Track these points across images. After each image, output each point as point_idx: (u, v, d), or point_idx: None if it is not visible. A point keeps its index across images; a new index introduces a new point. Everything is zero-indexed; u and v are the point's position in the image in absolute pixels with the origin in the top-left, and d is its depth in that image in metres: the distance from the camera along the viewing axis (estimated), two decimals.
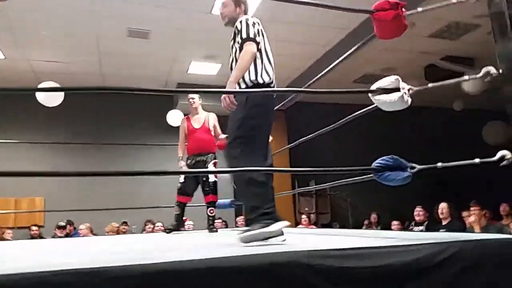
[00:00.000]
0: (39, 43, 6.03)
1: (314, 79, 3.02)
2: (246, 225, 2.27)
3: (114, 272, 1.08)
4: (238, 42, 2.29)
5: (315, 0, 2.70)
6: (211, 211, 4.03)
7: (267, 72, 2.25)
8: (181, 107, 7.34)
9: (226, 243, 2.06)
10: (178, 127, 6.33)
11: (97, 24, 5.56)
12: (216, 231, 3.96)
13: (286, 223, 1.91)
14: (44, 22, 5.45)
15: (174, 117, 6.35)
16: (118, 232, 6.43)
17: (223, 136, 4.03)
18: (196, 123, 4.19)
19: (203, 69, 7.24)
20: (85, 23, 5.51)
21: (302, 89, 2.93)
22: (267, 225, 1.84)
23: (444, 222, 4.97)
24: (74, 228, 6.54)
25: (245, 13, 2.50)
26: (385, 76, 2.08)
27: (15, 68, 6.64)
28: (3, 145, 6.45)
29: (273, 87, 2.29)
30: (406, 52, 6.82)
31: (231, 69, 2.33)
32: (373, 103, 2.17)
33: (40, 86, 5.12)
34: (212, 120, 4.19)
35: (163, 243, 2.41)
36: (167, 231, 3.97)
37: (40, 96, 5.12)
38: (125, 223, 6.78)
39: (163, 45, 6.28)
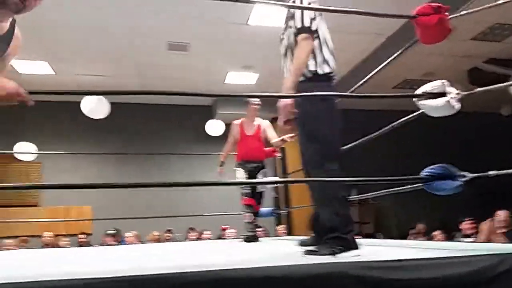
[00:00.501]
0: (84, 58, 6.33)
1: (358, 84, 2.98)
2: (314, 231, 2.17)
3: (168, 280, 1.11)
4: (291, 27, 2.02)
5: (353, 9, 2.68)
6: (247, 217, 3.96)
7: (327, 62, 2.00)
8: (219, 117, 7.47)
9: (273, 252, 2.08)
10: (217, 137, 6.49)
11: (138, 38, 5.78)
12: (257, 239, 3.95)
13: (357, 252, 1.72)
14: (89, 38, 5.72)
15: (213, 127, 6.48)
16: (159, 240, 6.59)
17: (276, 139, 3.97)
18: (250, 129, 4.13)
19: (241, 79, 7.33)
20: (127, 37, 5.74)
21: (348, 93, 2.89)
22: (337, 252, 1.68)
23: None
24: (120, 236, 6.75)
25: None
26: (426, 81, 2.03)
27: (63, 83, 7.00)
28: (53, 156, 6.81)
29: (334, 77, 2.05)
30: (448, 56, 6.62)
31: (285, 55, 2.10)
32: (416, 109, 2.12)
33: (84, 99, 5.39)
34: (264, 127, 4.14)
35: (213, 251, 2.45)
36: (244, 239, 3.83)
37: (86, 110, 5.37)
38: (169, 231, 6.94)
39: (201, 57, 6.44)
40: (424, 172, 1.75)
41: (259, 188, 3.99)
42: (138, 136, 7.93)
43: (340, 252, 1.69)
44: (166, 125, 8.19)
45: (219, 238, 6.82)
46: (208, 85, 7.48)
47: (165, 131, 8.15)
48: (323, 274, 1.23)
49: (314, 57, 1.96)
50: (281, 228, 6.57)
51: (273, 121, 4.45)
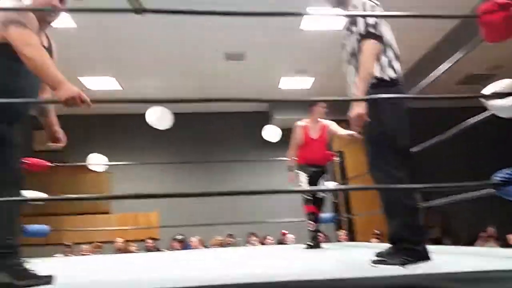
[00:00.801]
0: (148, 72, 6.71)
1: (422, 85, 2.91)
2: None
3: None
4: (353, 32, 1.96)
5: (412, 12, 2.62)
6: (310, 226, 3.87)
7: (392, 66, 1.93)
8: (276, 122, 7.55)
9: (341, 261, 2.08)
10: (273, 143, 6.56)
11: (198, 50, 6.03)
12: (319, 246, 3.85)
13: (429, 263, 1.67)
14: (152, 54, 6.07)
15: (270, 132, 6.56)
16: (221, 245, 6.78)
17: (345, 132, 3.81)
18: (314, 132, 3.98)
19: (295, 83, 7.37)
20: (188, 51, 6.02)
21: (413, 95, 2.81)
22: (406, 263, 1.63)
23: None
24: (182, 241, 7.01)
25: None
26: (491, 76, 1.94)
27: (130, 97, 7.42)
28: (122, 166, 7.25)
29: (401, 83, 1.97)
30: None
31: (348, 62, 2.03)
32: (482, 106, 2.03)
33: (148, 111, 5.72)
34: (329, 126, 3.99)
35: (283, 258, 2.49)
36: (307, 246, 3.82)
37: (151, 121, 5.68)
38: (230, 235, 7.11)
39: (256, 64, 6.58)
40: (496, 177, 1.68)
41: (320, 193, 3.92)
42: (199, 144, 8.21)
43: (410, 263, 1.63)
44: (225, 132, 8.41)
45: (280, 243, 6.87)
46: (264, 91, 7.60)
47: (224, 138, 8.37)
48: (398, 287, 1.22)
49: (379, 62, 1.89)
50: (342, 233, 6.48)
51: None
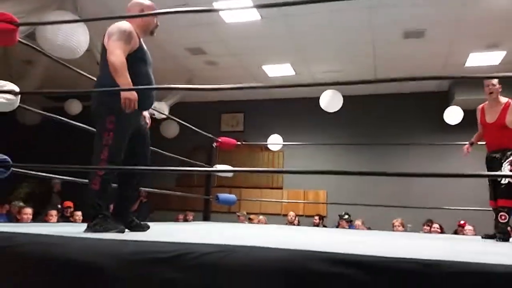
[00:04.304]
0: (320, 57, 6.87)
1: None
2: None
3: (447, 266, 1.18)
4: None
5: None
6: (502, 217, 3.42)
7: None
8: (457, 103, 6.88)
9: None
10: (454, 126, 6.00)
11: (372, 31, 5.88)
12: (506, 240, 3.35)
13: None
14: (325, 38, 6.17)
15: (452, 115, 6.01)
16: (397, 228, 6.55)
17: None
18: (489, 116, 3.58)
19: (482, 60, 6.55)
20: (361, 32, 5.92)
21: None
22: None
23: None
24: (350, 221, 7.08)
25: None
26: None
27: (303, 81, 7.76)
28: (294, 146, 7.72)
29: None
30: None
31: None
32: None
33: (323, 94, 5.91)
34: (510, 109, 3.45)
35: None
36: (483, 237, 3.60)
37: (323, 104, 5.87)
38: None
39: (439, 41, 6.07)
40: None
41: (503, 179, 3.39)
42: (372, 126, 8.05)
43: None
44: (400, 114, 8.05)
45: (455, 233, 6.33)
46: (446, 70, 6.97)
47: (399, 120, 8.00)
48: None
49: None
50: None
51: None
